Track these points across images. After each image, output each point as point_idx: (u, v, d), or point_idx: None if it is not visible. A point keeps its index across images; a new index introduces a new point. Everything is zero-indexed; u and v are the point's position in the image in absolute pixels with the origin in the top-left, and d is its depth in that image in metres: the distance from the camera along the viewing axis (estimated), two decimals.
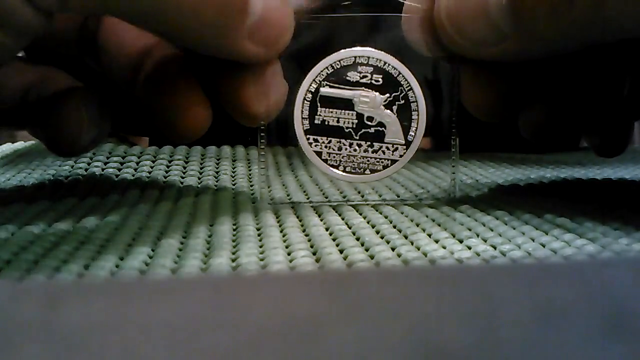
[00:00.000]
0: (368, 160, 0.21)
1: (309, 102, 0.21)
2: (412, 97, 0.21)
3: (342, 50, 0.21)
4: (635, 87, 0.24)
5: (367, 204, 0.22)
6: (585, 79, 0.23)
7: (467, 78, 0.22)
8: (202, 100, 0.21)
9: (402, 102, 0.21)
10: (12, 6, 0.16)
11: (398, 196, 0.24)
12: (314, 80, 0.21)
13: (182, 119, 0.21)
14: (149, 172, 0.28)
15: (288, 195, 0.24)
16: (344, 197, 0.24)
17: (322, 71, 0.21)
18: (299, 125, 0.21)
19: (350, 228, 0.19)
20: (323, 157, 0.21)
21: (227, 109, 0.22)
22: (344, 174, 0.21)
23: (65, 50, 0.24)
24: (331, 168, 0.21)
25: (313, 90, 0.21)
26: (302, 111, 0.21)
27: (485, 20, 0.19)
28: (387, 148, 0.21)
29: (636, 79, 0.24)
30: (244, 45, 0.19)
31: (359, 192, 0.24)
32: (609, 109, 0.24)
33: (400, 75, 0.21)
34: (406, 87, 0.21)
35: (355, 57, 0.21)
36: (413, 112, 0.21)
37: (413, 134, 0.21)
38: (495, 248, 0.18)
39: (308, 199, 0.24)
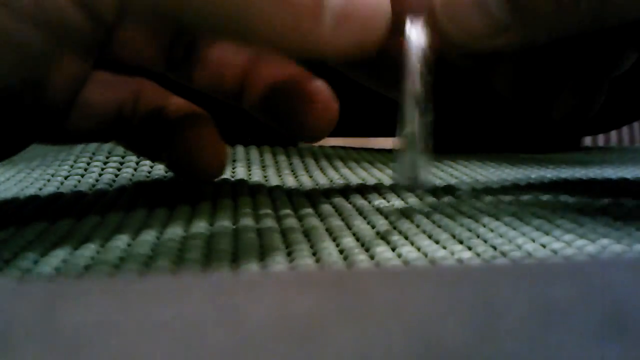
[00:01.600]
0: None
1: None
2: None
3: None
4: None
5: (369, 203, 0.22)
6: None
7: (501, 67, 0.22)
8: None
9: None
10: (67, 18, 0.15)
11: (398, 196, 0.24)
12: None
13: (312, 116, 0.22)
14: (149, 172, 0.28)
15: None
16: (345, 197, 0.24)
17: None
18: None
19: (350, 228, 0.19)
20: None
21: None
22: None
23: (150, 68, 0.23)
24: None
25: None
26: None
27: (483, 13, 0.19)
28: None
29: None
30: (324, 42, 0.18)
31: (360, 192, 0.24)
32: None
33: None
34: None
35: None
36: None
37: None
38: (495, 249, 0.18)
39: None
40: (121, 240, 0.18)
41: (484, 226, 0.19)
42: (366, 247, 0.18)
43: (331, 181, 0.27)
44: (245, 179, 0.27)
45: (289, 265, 0.16)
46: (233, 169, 0.29)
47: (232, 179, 0.27)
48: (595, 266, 0.12)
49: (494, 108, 0.24)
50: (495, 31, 0.19)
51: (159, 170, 0.28)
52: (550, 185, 0.27)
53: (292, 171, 0.29)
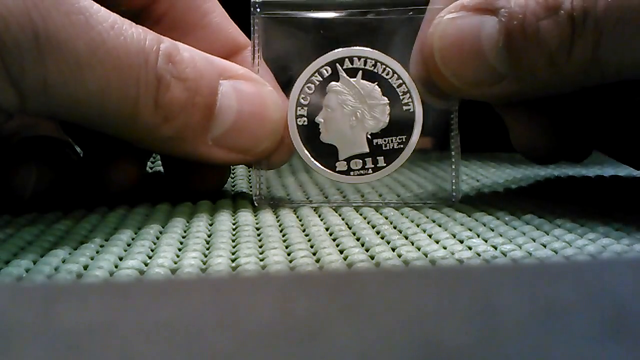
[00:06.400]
0: None
1: None
2: None
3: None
4: None
5: (368, 205, 0.22)
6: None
7: (518, 126, 0.22)
8: None
9: None
10: None
11: (398, 196, 0.24)
12: None
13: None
14: (147, 173, 0.28)
15: (288, 195, 0.24)
16: (344, 197, 0.24)
17: None
18: None
19: (350, 228, 0.19)
20: None
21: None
22: None
23: None
24: None
25: None
26: None
27: (481, 62, 0.19)
28: None
29: None
30: (209, 152, 0.20)
31: (360, 193, 0.24)
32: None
33: None
34: None
35: None
36: None
37: None
38: (496, 248, 0.17)
39: (308, 199, 0.24)
40: (120, 241, 0.18)
41: (485, 226, 0.19)
42: (366, 247, 0.18)
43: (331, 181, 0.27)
44: (245, 179, 0.27)
45: (289, 265, 0.16)
46: (233, 169, 0.29)
47: (232, 179, 0.27)
48: (596, 266, 0.12)
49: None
50: (492, 80, 0.19)
51: (158, 170, 0.28)
52: (550, 185, 0.27)
53: (292, 171, 0.29)
